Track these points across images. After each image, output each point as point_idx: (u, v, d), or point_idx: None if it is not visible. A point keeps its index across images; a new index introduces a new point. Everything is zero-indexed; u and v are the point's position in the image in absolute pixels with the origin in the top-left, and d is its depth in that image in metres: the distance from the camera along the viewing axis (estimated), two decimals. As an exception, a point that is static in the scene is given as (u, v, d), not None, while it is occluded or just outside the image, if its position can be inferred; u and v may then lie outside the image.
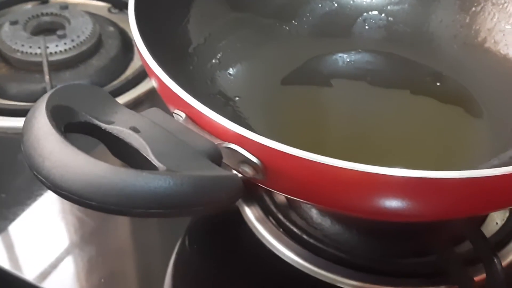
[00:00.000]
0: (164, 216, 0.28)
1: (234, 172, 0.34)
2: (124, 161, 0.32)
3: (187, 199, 0.28)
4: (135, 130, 0.31)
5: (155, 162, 0.29)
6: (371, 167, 0.31)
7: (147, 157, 0.30)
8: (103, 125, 0.31)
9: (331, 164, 0.31)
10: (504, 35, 0.50)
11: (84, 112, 0.32)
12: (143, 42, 0.38)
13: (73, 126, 0.31)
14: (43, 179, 0.28)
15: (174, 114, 0.36)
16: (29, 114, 0.30)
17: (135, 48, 0.40)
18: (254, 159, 0.33)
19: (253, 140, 0.32)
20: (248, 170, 0.33)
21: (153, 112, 0.33)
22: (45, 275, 0.45)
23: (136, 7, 0.41)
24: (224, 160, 0.34)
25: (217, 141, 0.33)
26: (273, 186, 0.36)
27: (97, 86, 0.35)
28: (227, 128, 0.33)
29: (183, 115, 0.35)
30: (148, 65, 0.37)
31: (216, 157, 0.32)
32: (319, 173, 0.32)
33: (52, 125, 0.29)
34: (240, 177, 0.33)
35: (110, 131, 0.31)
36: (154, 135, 0.31)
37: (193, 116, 0.34)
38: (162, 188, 0.27)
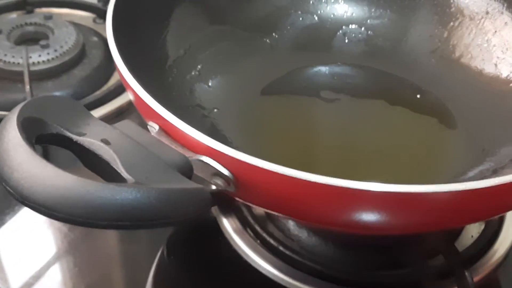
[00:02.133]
0: (131, 228, 0.28)
1: (210, 184, 0.34)
2: (95, 173, 0.32)
3: (153, 211, 0.28)
4: (106, 142, 0.31)
5: (124, 174, 0.30)
6: (345, 182, 0.31)
7: (116, 169, 0.30)
8: (74, 137, 0.31)
9: (302, 178, 0.31)
10: (480, 50, 0.50)
11: (56, 123, 0.32)
12: (119, 54, 0.38)
13: (44, 138, 0.31)
14: (11, 191, 0.28)
15: (148, 126, 0.36)
16: (0, 126, 0.31)
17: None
18: (226, 172, 0.33)
19: (224, 153, 0.32)
20: (220, 183, 0.33)
21: (126, 125, 0.33)
22: (24, 286, 0.45)
23: (114, 19, 0.41)
24: (197, 172, 0.34)
25: (189, 154, 0.33)
26: (245, 198, 0.36)
27: (70, 98, 0.36)
28: (198, 140, 0.33)
29: (157, 127, 0.35)
30: (123, 77, 0.37)
31: (186, 169, 0.32)
32: (291, 186, 0.32)
33: (22, 136, 0.29)
34: (215, 189, 0.34)
35: (81, 143, 0.31)
36: (125, 148, 0.31)
37: (166, 128, 0.35)
38: (128, 200, 0.27)
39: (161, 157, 0.32)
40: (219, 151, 0.32)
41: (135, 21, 0.44)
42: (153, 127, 0.35)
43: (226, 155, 0.32)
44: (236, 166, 0.32)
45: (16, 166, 0.28)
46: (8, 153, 0.29)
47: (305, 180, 0.31)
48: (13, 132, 0.29)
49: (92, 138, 0.31)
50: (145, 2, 0.46)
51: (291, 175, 0.31)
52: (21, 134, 0.29)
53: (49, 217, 0.28)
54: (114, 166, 0.30)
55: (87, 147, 0.31)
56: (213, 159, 0.33)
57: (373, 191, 0.31)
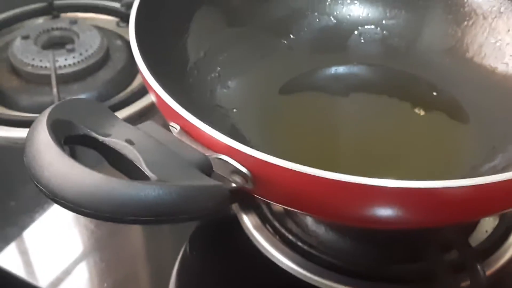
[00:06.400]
0: (155, 223, 0.30)
1: (230, 182, 0.35)
2: (120, 171, 0.34)
3: (174, 207, 0.29)
4: (130, 142, 0.33)
5: (147, 172, 0.31)
6: (361, 179, 0.32)
7: (140, 167, 0.31)
8: (100, 138, 0.33)
9: (316, 175, 0.32)
10: (494, 49, 0.51)
11: (83, 125, 0.33)
12: (142, 57, 0.40)
13: (72, 139, 0.33)
14: (42, 188, 0.30)
15: (170, 126, 0.37)
16: (31, 128, 0.32)
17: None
18: (243, 169, 0.34)
19: (241, 151, 0.33)
20: (238, 180, 0.35)
21: (148, 125, 0.35)
22: (54, 281, 0.46)
23: (136, 23, 0.43)
24: (217, 170, 0.35)
25: (208, 152, 0.35)
26: (262, 195, 0.38)
27: (96, 101, 0.37)
28: (217, 139, 0.34)
29: (178, 127, 0.37)
30: (145, 79, 0.39)
31: (206, 167, 0.33)
32: (305, 183, 0.33)
33: (52, 138, 0.31)
34: (234, 186, 0.35)
35: (107, 143, 0.33)
36: (148, 147, 0.33)
37: (187, 128, 0.36)
38: (151, 196, 0.29)
39: (182, 155, 0.33)
40: (236, 149, 0.33)
41: (157, 24, 0.46)
42: (175, 127, 0.37)
43: (243, 153, 0.33)
44: (252, 163, 0.34)
45: (46, 166, 0.30)
46: (39, 153, 0.30)
47: (319, 177, 0.32)
48: (43, 134, 0.31)
49: (117, 139, 0.33)
50: (167, 6, 0.47)
51: (305, 172, 0.32)
52: (50, 135, 0.31)
53: (77, 213, 0.29)
54: (138, 165, 0.32)
55: (112, 147, 0.33)
56: (231, 157, 0.34)
57: (388, 187, 0.32)
